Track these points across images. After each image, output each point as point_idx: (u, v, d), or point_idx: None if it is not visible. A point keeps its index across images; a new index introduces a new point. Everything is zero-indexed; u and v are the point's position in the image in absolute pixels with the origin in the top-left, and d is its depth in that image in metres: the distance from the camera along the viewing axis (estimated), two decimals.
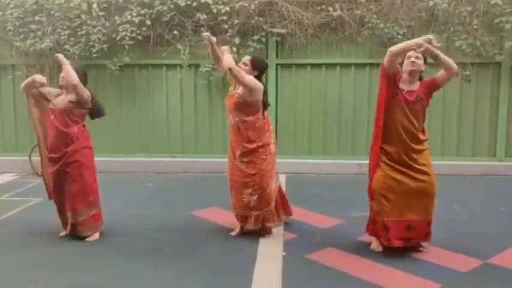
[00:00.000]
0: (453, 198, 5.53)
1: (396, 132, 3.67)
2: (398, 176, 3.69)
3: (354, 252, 3.84)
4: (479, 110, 7.03)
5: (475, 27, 6.63)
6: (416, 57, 3.62)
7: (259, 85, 4.00)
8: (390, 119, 3.66)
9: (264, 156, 4.04)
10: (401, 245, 3.72)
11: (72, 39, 6.86)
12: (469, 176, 6.79)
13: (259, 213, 4.07)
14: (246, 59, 4.16)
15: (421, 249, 3.83)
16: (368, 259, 3.70)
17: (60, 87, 4.15)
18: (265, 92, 4.09)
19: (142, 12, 6.80)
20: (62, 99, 4.09)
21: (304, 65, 7.12)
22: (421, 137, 3.73)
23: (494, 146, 7.06)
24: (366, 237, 4.07)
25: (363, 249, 3.88)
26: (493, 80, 6.97)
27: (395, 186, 3.68)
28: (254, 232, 4.18)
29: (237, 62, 4.09)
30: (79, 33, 6.81)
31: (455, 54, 6.83)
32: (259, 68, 4.14)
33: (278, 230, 4.35)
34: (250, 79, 3.95)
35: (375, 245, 3.86)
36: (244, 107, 3.99)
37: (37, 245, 4.05)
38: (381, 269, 3.53)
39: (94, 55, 6.82)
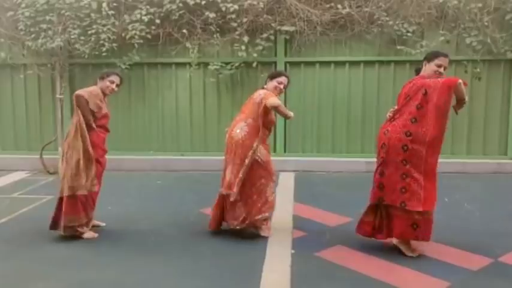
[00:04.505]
0: (463, 197, 5.50)
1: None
2: None
3: (363, 250, 3.83)
4: (490, 108, 6.96)
5: (486, 23, 6.56)
6: (444, 69, 3.67)
7: None
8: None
9: None
10: None
11: (82, 38, 6.90)
12: (479, 174, 6.74)
13: None
14: (285, 80, 4.22)
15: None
16: (377, 257, 3.69)
17: (103, 92, 4.21)
18: None
19: (152, 10, 6.83)
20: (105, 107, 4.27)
21: (313, 63, 7.11)
22: None
23: (505, 144, 6.99)
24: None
25: (372, 247, 3.87)
26: (504, 78, 6.90)
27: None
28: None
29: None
30: (89, 32, 6.85)
31: (465, 51, 6.78)
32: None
33: (287, 228, 4.37)
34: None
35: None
36: None
37: (48, 242, 4.09)
38: (390, 267, 3.52)
39: (104, 54, 6.86)
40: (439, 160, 3.69)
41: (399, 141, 3.58)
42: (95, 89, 4.18)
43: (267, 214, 4.13)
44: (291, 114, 4.02)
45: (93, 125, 4.09)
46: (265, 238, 4.10)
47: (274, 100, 3.98)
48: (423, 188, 3.55)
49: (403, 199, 3.59)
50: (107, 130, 4.33)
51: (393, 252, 3.75)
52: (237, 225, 4.07)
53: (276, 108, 4.01)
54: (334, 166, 6.99)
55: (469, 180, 6.41)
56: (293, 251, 3.83)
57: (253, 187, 4.04)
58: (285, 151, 7.27)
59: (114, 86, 4.22)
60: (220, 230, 4.26)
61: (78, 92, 4.10)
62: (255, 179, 4.04)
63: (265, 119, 4.08)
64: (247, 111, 4.12)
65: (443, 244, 3.92)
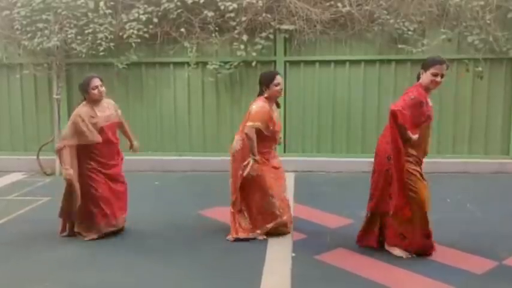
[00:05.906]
0: (466, 197, 5.44)
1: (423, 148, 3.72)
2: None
3: (364, 253, 3.78)
4: (492, 107, 6.89)
5: (488, 22, 6.49)
6: (442, 76, 3.59)
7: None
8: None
9: None
10: None
11: (79, 37, 6.83)
12: (481, 174, 6.67)
13: None
14: (281, 79, 4.09)
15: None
16: (378, 260, 3.64)
17: (95, 100, 4.10)
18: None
19: (149, 9, 6.75)
20: (114, 114, 4.23)
21: (312, 62, 7.04)
22: None
23: (507, 144, 6.91)
24: None
25: (373, 250, 3.81)
26: (506, 76, 6.83)
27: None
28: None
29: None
30: (86, 31, 6.78)
31: (467, 49, 6.71)
32: None
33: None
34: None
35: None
36: None
37: (46, 244, 4.05)
38: (392, 271, 3.46)
39: (101, 53, 6.79)
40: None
41: (384, 152, 3.68)
42: (81, 111, 4.02)
43: (271, 225, 4.10)
44: (256, 157, 3.91)
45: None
46: (266, 240, 4.06)
47: (250, 131, 3.89)
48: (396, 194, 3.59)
49: (390, 207, 3.65)
50: (111, 142, 4.21)
51: (395, 256, 3.69)
52: (247, 235, 4.08)
53: (248, 141, 3.92)
54: (334, 166, 6.93)
55: (471, 180, 6.36)
56: (293, 254, 3.78)
57: (251, 201, 4.11)
58: (284, 151, 7.20)
59: (100, 88, 4.08)
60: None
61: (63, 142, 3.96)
62: (249, 193, 4.09)
63: (260, 133, 3.98)
64: (244, 123, 4.08)
65: (446, 246, 3.86)
